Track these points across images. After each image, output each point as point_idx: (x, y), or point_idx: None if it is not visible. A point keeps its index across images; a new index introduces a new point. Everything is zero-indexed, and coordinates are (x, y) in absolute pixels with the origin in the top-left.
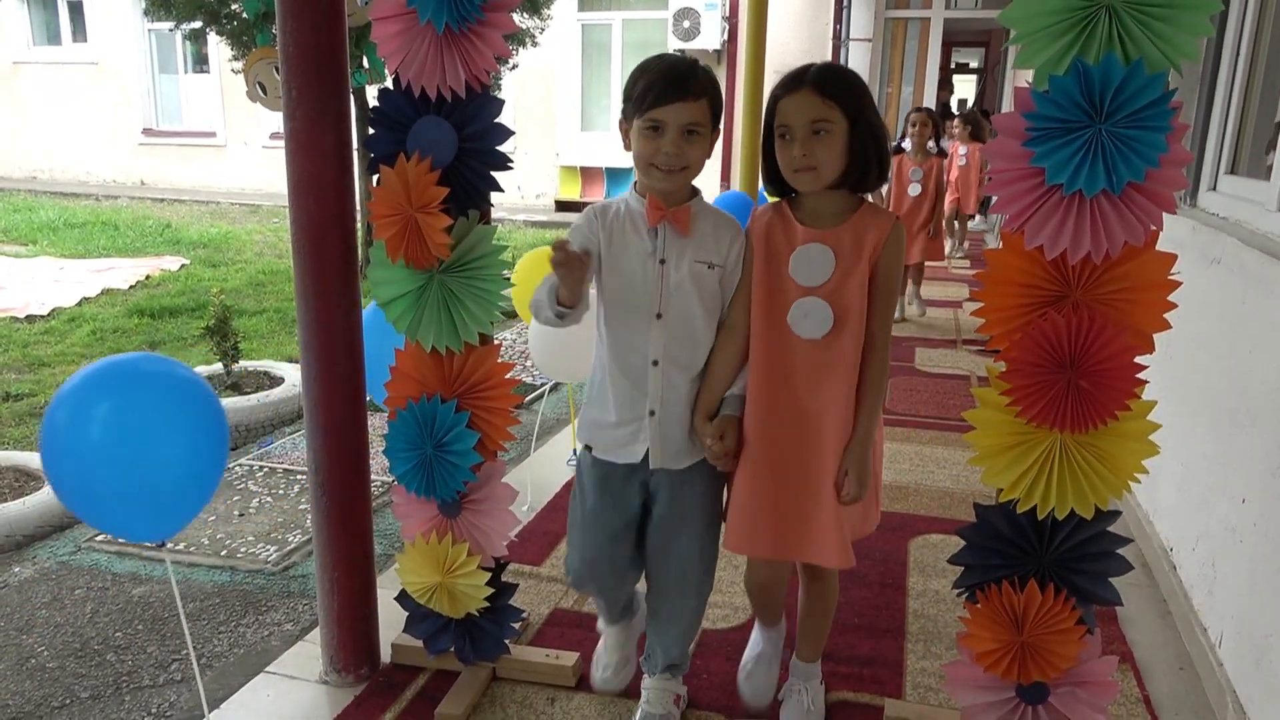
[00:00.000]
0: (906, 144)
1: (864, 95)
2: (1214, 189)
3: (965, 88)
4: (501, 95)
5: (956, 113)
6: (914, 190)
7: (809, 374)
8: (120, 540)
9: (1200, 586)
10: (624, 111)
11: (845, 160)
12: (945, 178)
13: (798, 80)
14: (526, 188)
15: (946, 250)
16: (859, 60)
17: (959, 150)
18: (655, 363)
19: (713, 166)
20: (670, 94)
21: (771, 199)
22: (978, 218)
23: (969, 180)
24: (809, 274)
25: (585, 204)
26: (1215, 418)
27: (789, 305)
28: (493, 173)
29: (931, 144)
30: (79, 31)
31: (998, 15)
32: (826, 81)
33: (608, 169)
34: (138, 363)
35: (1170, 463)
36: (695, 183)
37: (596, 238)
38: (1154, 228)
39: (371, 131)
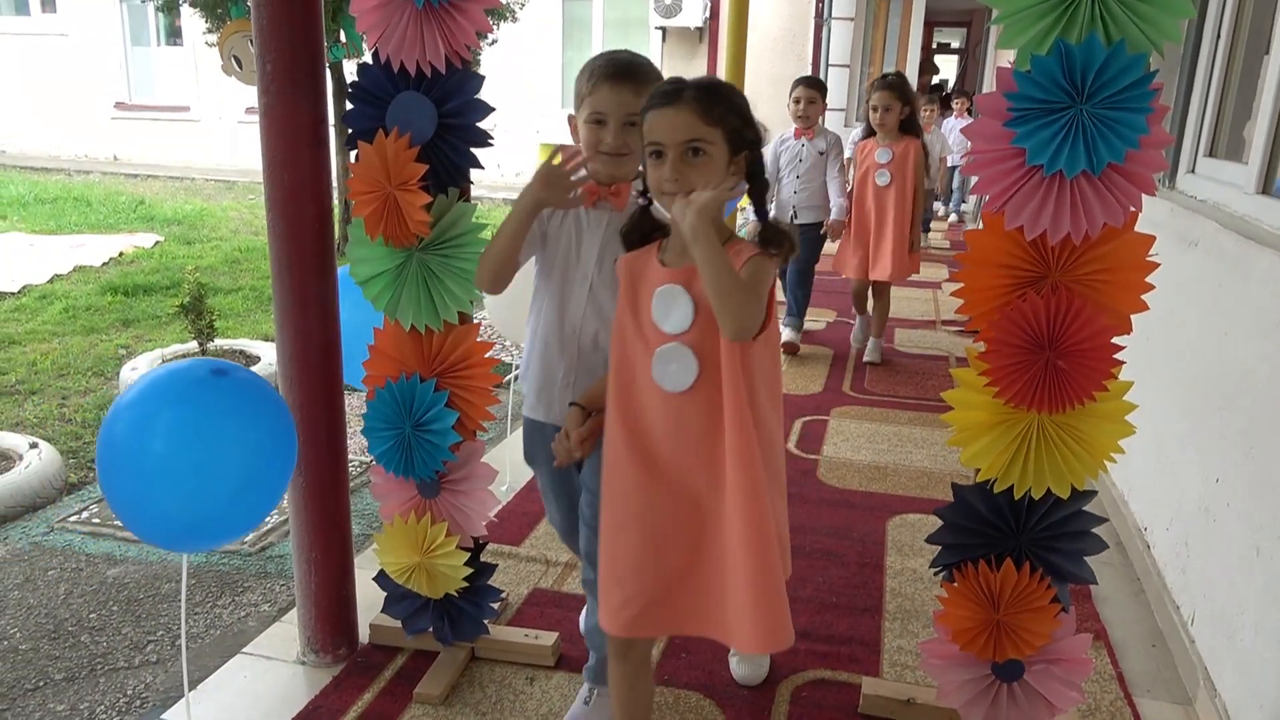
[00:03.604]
0: (857, 132)
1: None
2: (1193, 171)
3: (947, 68)
4: (481, 71)
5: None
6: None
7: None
8: (94, 520)
9: (1173, 565)
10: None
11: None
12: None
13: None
14: (505, 165)
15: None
16: (841, 39)
17: (874, 156)
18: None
19: None
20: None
21: None
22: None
23: (885, 202)
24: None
25: None
26: (1190, 399)
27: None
28: (473, 149)
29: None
30: (48, 2)
31: None
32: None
33: None
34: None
35: (1145, 443)
36: None
37: None
38: (1133, 209)
39: (350, 107)
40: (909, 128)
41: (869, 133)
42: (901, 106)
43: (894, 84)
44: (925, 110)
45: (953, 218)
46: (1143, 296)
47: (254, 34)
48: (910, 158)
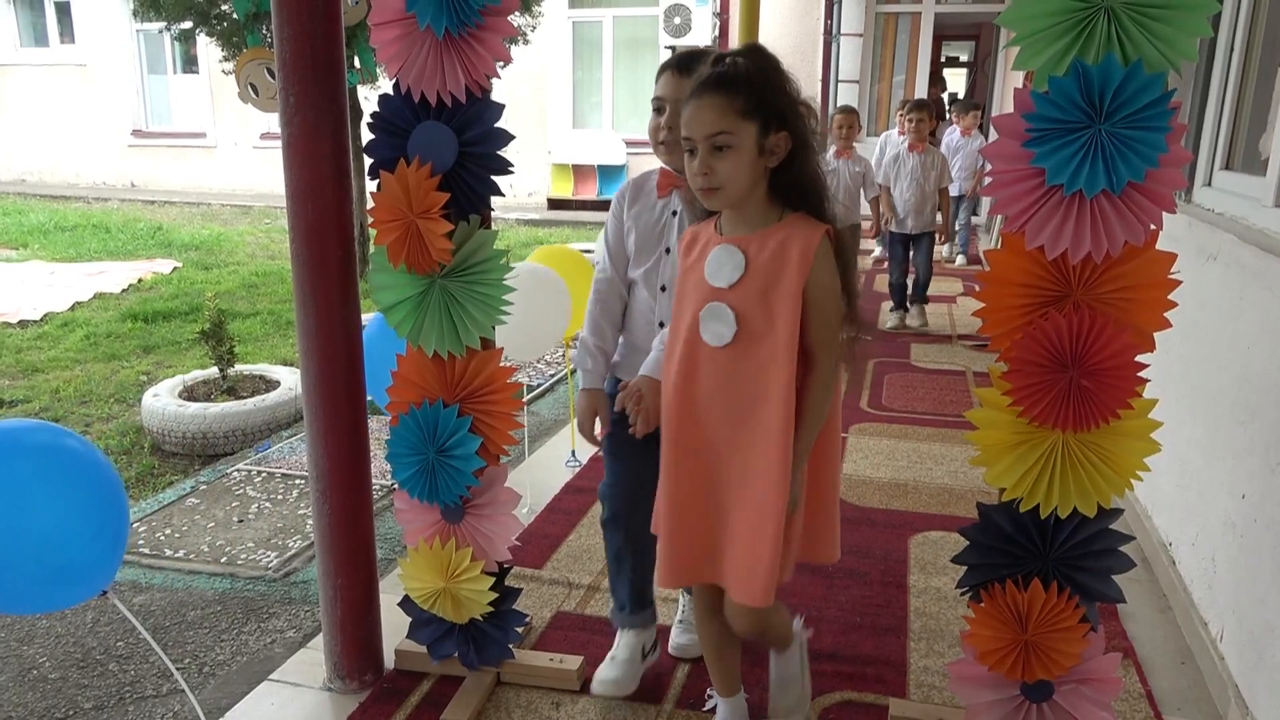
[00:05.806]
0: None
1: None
2: (1209, 185)
3: (955, 81)
4: (492, 94)
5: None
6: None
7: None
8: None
9: (1200, 581)
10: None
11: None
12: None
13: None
14: (519, 186)
15: (945, 252)
16: (850, 56)
17: (703, 271)
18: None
19: None
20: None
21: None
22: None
23: (729, 397)
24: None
25: (577, 202)
26: (1214, 413)
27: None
28: (493, 177)
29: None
30: (66, 33)
31: (997, 18)
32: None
33: (600, 166)
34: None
35: (1169, 458)
36: None
37: None
38: (1154, 227)
39: (371, 137)
40: (800, 195)
41: (705, 209)
42: (758, 133)
43: (730, 75)
44: (907, 119)
45: (960, 259)
46: (1165, 313)
47: (277, 66)
48: (793, 273)
